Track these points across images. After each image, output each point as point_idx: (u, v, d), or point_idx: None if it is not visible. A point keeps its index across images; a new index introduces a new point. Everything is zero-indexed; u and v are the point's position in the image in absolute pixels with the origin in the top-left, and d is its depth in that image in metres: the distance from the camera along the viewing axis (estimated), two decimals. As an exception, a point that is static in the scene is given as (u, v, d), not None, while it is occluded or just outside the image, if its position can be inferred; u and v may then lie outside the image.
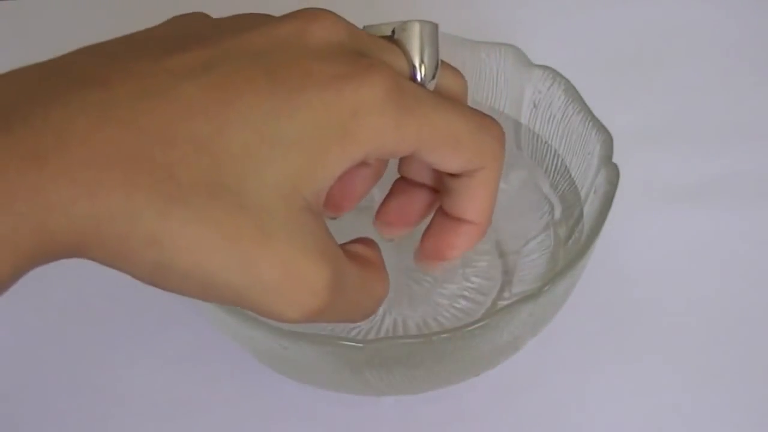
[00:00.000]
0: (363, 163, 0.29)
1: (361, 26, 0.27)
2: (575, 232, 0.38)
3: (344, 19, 0.26)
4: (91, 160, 0.20)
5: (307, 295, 0.23)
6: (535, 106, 0.41)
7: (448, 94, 0.28)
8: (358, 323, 0.27)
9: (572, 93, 0.39)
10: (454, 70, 0.29)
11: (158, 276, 0.22)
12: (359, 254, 0.27)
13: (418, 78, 0.27)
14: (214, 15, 0.26)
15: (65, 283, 0.42)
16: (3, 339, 0.41)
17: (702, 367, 0.39)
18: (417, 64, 0.27)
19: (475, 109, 0.27)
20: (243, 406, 0.38)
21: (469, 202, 0.28)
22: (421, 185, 0.31)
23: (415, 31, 0.27)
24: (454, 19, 0.54)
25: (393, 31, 0.27)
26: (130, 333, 0.41)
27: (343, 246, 0.26)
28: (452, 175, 0.28)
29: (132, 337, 0.41)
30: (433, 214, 0.31)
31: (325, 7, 0.26)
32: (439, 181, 0.30)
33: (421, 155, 0.26)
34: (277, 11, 0.26)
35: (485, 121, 0.27)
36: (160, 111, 0.21)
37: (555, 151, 0.41)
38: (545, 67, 0.40)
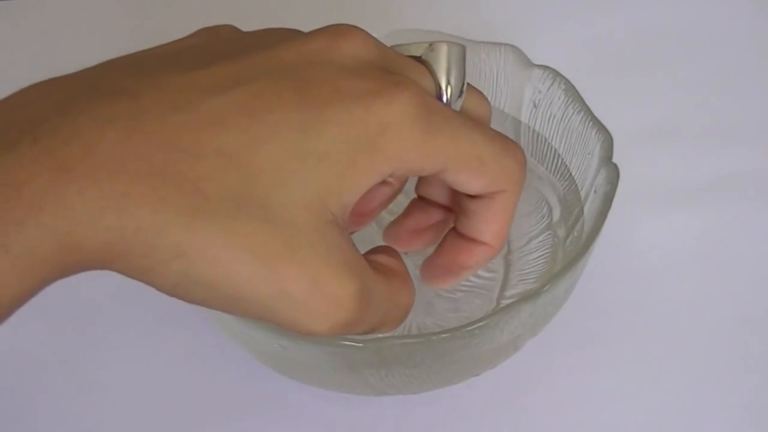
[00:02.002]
0: (383, 182, 0.30)
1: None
2: (575, 232, 0.38)
3: (373, 36, 0.26)
4: (119, 172, 0.20)
5: (334, 308, 0.23)
6: (535, 105, 0.41)
7: (471, 117, 0.28)
8: (386, 334, 0.27)
9: (572, 93, 0.39)
10: (479, 93, 0.29)
11: (182, 288, 0.22)
12: (383, 264, 0.27)
13: (444, 99, 0.27)
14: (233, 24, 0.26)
15: (65, 282, 0.42)
16: (3, 339, 0.41)
17: (702, 367, 0.39)
18: (443, 85, 0.27)
19: (499, 132, 0.27)
20: (243, 407, 0.38)
21: (486, 224, 0.28)
22: (437, 206, 0.31)
23: (443, 52, 0.27)
24: (454, 19, 0.54)
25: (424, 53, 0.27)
26: (130, 333, 0.41)
27: (366, 257, 0.26)
28: (471, 197, 0.28)
29: (132, 337, 0.41)
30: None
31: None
32: (454, 202, 0.30)
33: (445, 175, 0.26)
34: (293, 17, 0.26)
35: (508, 144, 0.27)
36: (189, 124, 0.21)
37: (555, 151, 0.41)
38: (545, 67, 0.40)
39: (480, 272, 0.40)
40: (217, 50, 0.24)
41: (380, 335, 0.34)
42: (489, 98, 0.42)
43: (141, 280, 0.22)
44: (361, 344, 0.30)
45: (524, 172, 0.28)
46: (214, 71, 0.23)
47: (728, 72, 0.51)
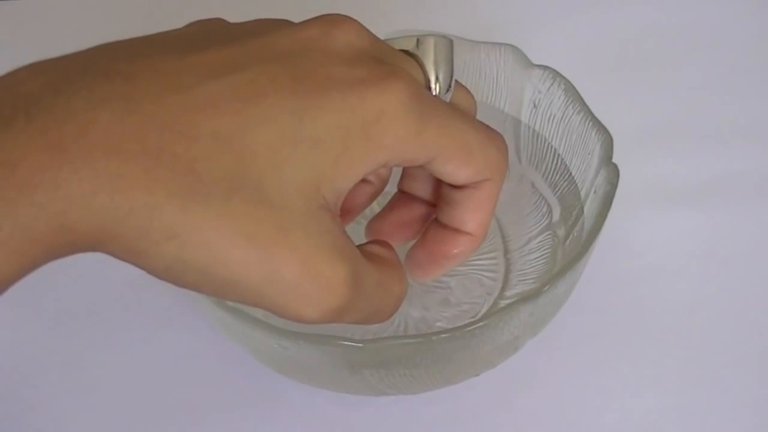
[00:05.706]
0: (364, 180, 0.30)
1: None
2: (575, 232, 0.38)
3: (365, 27, 0.26)
4: (113, 152, 0.20)
5: (325, 293, 0.23)
6: (535, 106, 0.41)
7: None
8: (378, 324, 0.27)
9: (572, 93, 0.39)
10: (465, 89, 0.30)
11: (175, 271, 0.22)
12: (376, 254, 0.27)
13: (433, 92, 0.27)
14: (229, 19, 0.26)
15: (65, 283, 0.42)
16: (3, 339, 0.41)
17: (702, 366, 0.39)
18: (432, 78, 0.27)
19: (483, 123, 0.28)
20: (243, 406, 0.38)
21: (470, 214, 0.28)
22: (419, 200, 0.31)
23: (430, 46, 0.27)
24: (454, 19, 0.54)
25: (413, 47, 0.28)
26: (130, 333, 0.41)
27: (359, 246, 0.26)
28: (455, 187, 0.28)
29: (132, 338, 0.41)
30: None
31: (327, 10, 0.26)
32: (436, 195, 0.31)
33: (434, 165, 0.26)
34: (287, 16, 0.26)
35: (492, 133, 0.28)
36: (184, 107, 0.21)
37: (555, 151, 0.41)
38: (545, 67, 0.40)
39: (480, 273, 0.40)
40: (210, 37, 0.24)
41: (380, 336, 0.35)
42: (489, 98, 0.43)
43: (133, 263, 0.22)
44: (361, 344, 0.30)
45: (507, 161, 0.28)
46: (210, 56, 0.23)
47: (728, 72, 0.51)
